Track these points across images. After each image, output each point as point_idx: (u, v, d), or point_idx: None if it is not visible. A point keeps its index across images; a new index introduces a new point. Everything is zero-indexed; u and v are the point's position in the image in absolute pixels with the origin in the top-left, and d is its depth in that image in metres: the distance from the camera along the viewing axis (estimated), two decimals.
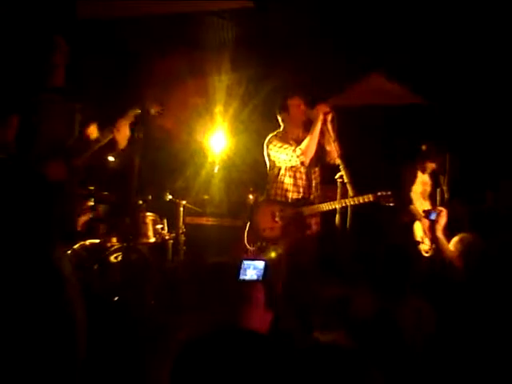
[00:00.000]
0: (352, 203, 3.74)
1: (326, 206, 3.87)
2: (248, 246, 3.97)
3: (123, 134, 2.94)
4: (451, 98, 5.51)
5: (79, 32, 3.95)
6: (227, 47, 5.44)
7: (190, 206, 5.33)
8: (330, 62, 5.23)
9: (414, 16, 4.64)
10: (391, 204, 3.73)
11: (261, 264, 2.01)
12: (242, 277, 1.99)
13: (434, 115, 5.67)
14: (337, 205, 3.80)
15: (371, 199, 3.73)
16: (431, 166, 5.03)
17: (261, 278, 1.96)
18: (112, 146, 2.92)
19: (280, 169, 3.99)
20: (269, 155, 4.02)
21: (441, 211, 3.18)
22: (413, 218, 4.90)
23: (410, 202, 4.93)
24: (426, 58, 5.16)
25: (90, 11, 4.62)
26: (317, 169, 4.03)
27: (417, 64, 5.23)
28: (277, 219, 3.92)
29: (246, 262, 2.02)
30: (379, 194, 3.75)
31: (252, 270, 2.02)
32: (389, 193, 3.73)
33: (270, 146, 3.99)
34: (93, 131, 2.87)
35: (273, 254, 3.80)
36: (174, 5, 4.80)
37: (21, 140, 2.58)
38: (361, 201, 3.74)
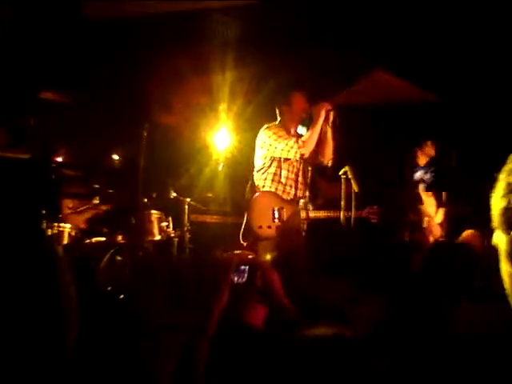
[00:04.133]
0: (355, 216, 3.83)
1: (326, 214, 3.90)
2: (242, 243, 3.81)
3: None
4: (457, 94, 5.49)
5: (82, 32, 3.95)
6: (231, 44, 5.44)
7: (194, 203, 5.34)
8: (334, 59, 5.22)
9: (415, 14, 4.62)
10: (375, 220, 3.88)
11: (246, 267, 2.13)
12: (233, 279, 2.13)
13: (438, 111, 5.64)
14: (341, 216, 3.85)
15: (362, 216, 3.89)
16: (423, 160, 5.03)
17: (247, 281, 2.07)
18: None
19: (273, 160, 3.88)
20: (264, 142, 3.88)
21: None
22: (421, 217, 4.88)
23: (421, 200, 4.91)
24: (428, 54, 5.13)
25: (93, 11, 4.62)
26: (310, 168, 4.00)
27: (419, 60, 5.21)
28: (275, 220, 3.76)
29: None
30: (367, 210, 3.91)
31: (240, 272, 2.13)
32: (374, 207, 3.92)
33: (268, 133, 3.87)
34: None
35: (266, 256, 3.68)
36: (177, 3, 4.80)
37: None
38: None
